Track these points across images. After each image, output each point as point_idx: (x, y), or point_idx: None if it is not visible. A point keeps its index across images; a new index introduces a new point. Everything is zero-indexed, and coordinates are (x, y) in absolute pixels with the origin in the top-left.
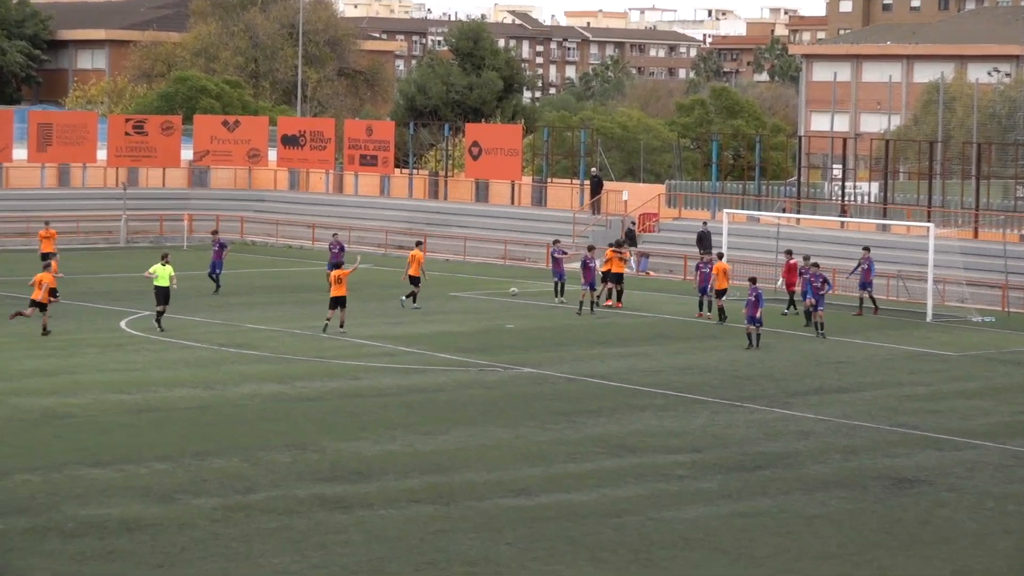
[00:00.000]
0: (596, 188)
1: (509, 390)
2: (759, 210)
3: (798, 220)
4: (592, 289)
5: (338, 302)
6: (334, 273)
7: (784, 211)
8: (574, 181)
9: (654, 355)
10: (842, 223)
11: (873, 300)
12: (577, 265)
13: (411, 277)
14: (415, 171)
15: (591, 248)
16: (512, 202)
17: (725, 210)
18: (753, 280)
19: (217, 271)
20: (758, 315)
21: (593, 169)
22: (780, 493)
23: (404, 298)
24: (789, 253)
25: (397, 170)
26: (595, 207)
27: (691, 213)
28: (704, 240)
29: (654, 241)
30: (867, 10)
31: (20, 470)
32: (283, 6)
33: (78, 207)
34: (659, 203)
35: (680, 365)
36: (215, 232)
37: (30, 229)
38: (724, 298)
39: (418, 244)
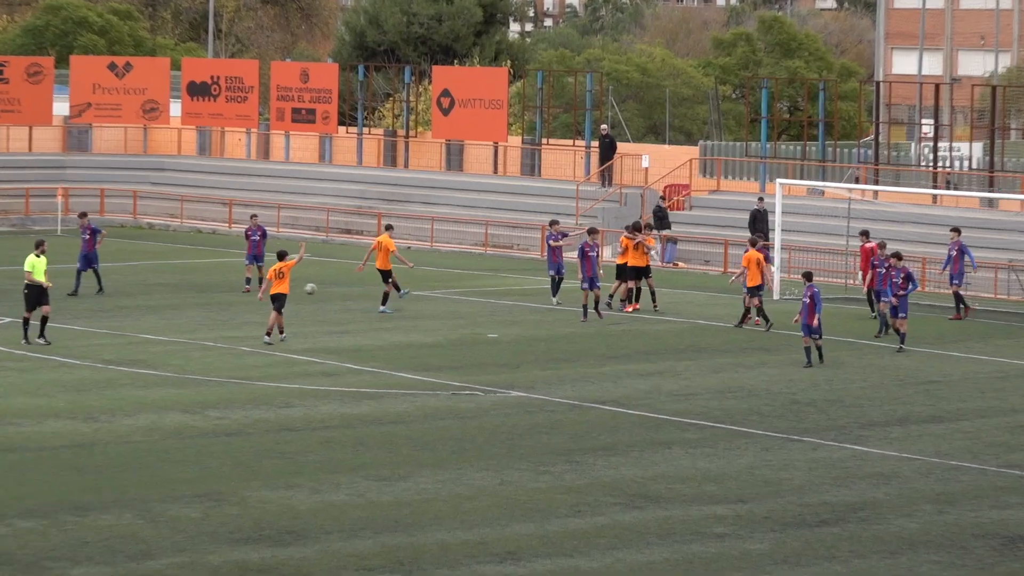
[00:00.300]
0: (607, 152)
1: (492, 421)
2: (823, 180)
3: (875, 194)
4: (592, 288)
5: (278, 302)
6: (276, 266)
7: (857, 181)
8: (577, 143)
9: (684, 373)
10: (934, 197)
11: (961, 300)
12: (576, 254)
13: (381, 271)
14: (366, 130)
15: (592, 232)
16: (495, 171)
17: (778, 180)
18: (808, 276)
19: (94, 264)
20: (815, 323)
21: (603, 127)
22: (853, 556)
23: (401, 292)
24: (866, 234)
25: (342, 129)
26: (605, 177)
27: (733, 185)
28: (759, 221)
29: (684, 221)
30: None
31: None
32: None
33: None
34: (691, 171)
35: (719, 386)
36: (84, 215)
37: None
38: (759, 296)
39: (388, 228)
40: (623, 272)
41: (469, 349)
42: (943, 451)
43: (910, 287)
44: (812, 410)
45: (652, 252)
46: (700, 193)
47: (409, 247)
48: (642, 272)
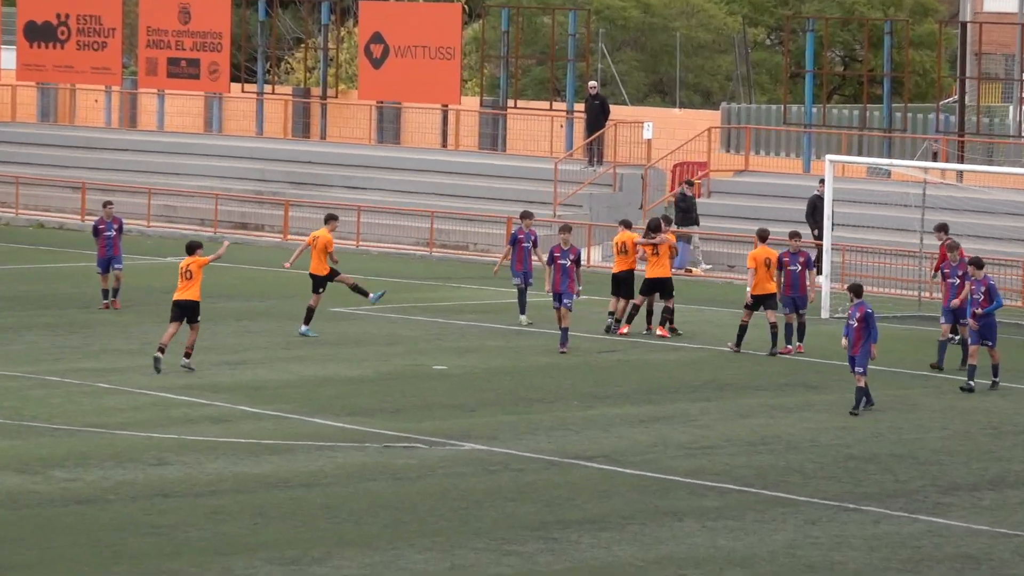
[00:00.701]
0: (596, 118)
1: (439, 483)
2: (888, 156)
3: (960, 175)
4: (561, 306)
5: (186, 312)
6: (185, 262)
7: (936, 158)
8: (556, 106)
9: (701, 419)
10: None
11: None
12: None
13: (314, 276)
14: (268, 89)
15: (565, 230)
16: (443, 144)
17: (828, 157)
18: (857, 291)
19: None
20: (866, 354)
21: (591, 85)
22: None
23: (375, 295)
24: (944, 229)
25: (235, 87)
26: (594, 152)
27: (766, 163)
28: (820, 212)
29: (701, 212)
30: None
31: None
32: None
33: None
34: (709, 145)
35: (747, 436)
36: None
37: None
38: (774, 312)
39: (329, 220)
40: (618, 285)
41: (408, 386)
42: None
43: (994, 303)
44: (874, 469)
45: (677, 254)
46: (722, 174)
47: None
48: (662, 288)
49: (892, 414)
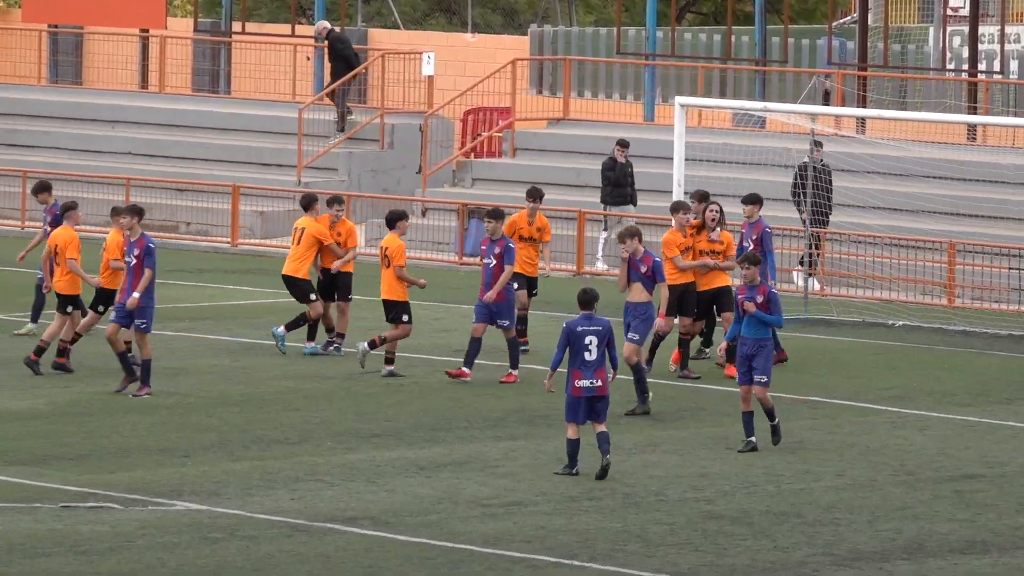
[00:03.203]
0: (335, 68)
1: (138, 559)
2: (763, 99)
3: (861, 123)
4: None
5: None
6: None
7: (828, 99)
8: (300, 31)
9: (505, 465)
10: (971, 129)
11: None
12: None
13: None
14: None
15: (494, 216)
16: (143, 84)
17: (677, 100)
18: (752, 260)
19: None
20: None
21: (321, 25)
22: None
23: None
24: (704, 198)
25: None
26: (340, 101)
27: (594, 108)
28: (815, 182)
29: (498, 178)
30: None
31: None
32: None
33: None
34: (514, 83)
35: (568, 489)
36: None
37: None
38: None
39: (329, 206)
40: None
41: (96, 422)
42: None
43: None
44: (743, 532)
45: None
46: (532, 124)
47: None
48: (719, 299)
49: (769, 455)
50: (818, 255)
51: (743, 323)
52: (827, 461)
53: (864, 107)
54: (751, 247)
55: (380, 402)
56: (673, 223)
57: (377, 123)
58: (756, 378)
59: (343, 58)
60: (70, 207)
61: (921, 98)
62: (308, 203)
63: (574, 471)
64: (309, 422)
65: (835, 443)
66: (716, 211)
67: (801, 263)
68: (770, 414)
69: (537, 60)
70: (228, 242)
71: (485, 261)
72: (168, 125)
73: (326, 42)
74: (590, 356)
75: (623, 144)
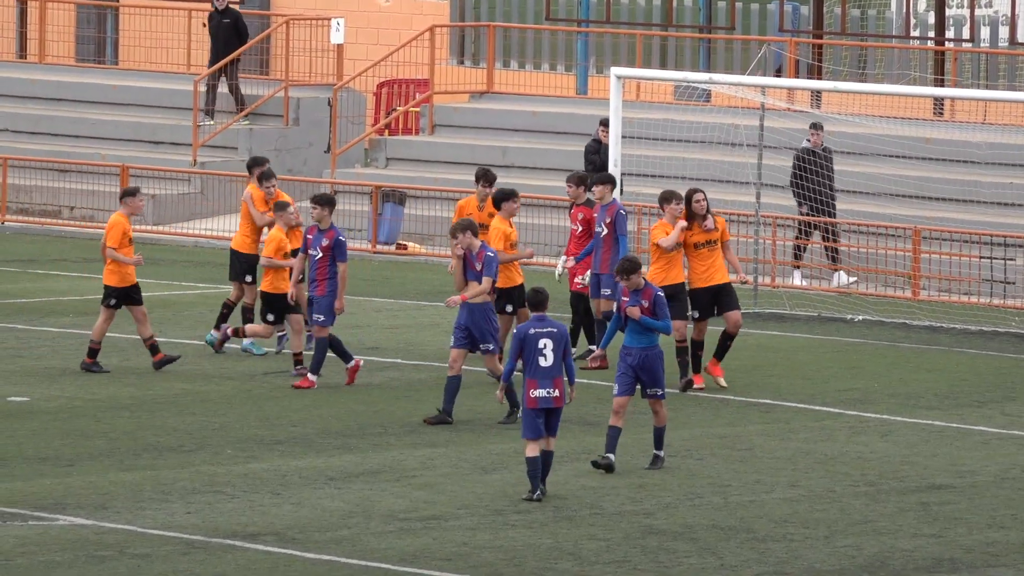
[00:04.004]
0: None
1: None
2: (708, 70)
3: (816, 95)
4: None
5: None
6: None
7: (780, 71)
8: None
9: (423, 475)
10: (937, 103)
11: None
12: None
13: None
14: None
15: (320, 202)
16: (21, 54)
17: (613, 71)
18: (627, 272)
19: None
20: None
21: None
22: None
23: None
24: (582, 182)
25: None
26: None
27: (521, 80)
28: (817, 170)
29: (414, 158)
30: None
31: None
32: None
33: None
34: (432, 52)
35: (494, 501)
36: None
37: None
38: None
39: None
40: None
41: None
42: None
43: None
44: (687, 548)
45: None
46: (452, 98)
47: None
48: (720, 296)
49: (715, 464)
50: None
51: (627, 331)
52: (780, 471)
53: (819, 78)
54: (604, 231)
55: (285, 406)
56: (665, 215)
57: (281, 97)
58: (649, 391)
59: (236, 36)
60: (127, 192)
61: (883, 69)
62: (249, 166)
63: (537, 495)
64: (207, 428)
65: (789, 451)
66: (703, 198)
67: (796, 255)
68: (659, 438)
69: (458, 27)
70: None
71: (311, 253)
72: (49, 99)
73: (221, 14)
74: (545, 362)
75: (607, 124)
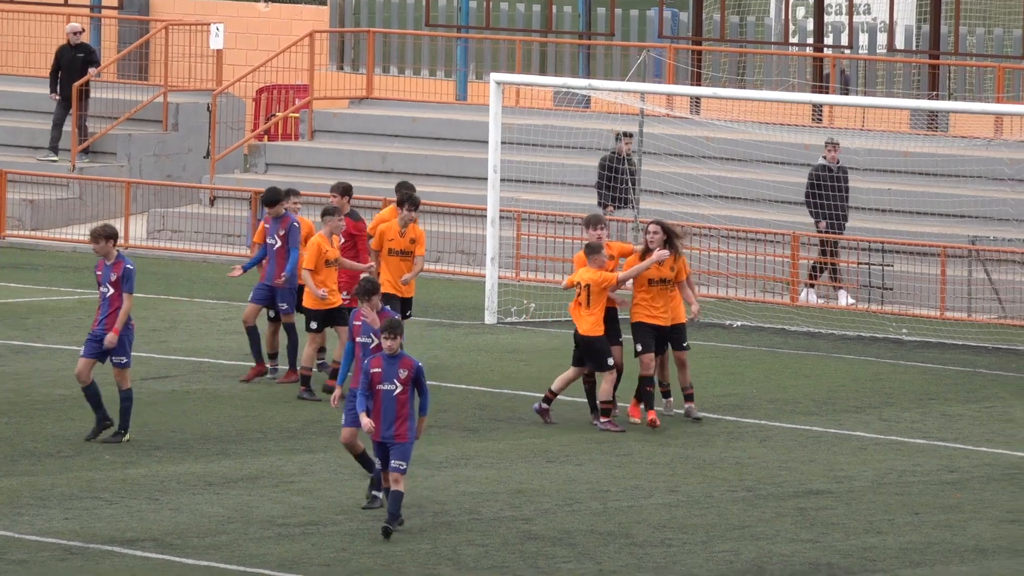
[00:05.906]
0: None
1: None
2: (588, 75)
3: (696, 102)
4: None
5: None
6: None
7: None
8: (71, 2)
9: (301, 480)
10: (816, 109)
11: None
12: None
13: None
14: None
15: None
16: None
17: (493, 77)
18: (392, 331)
19: None
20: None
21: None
22: None
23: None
24: (346, 192)
25: None
26: (82, 127)
27: (401, 86)
28: (833, 188)
29: (292, 163)
30: None
31: None
32: None
33: None
34: (311, 57)
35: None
36: None
37: None
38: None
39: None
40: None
41: None
42: None
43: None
44: (566, 554)
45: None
46: (331, 104)
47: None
48: (673, 335)
49: (593, 469)
50: (832, 265)
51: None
52: (658, 476)
53: (699, 85)
54: (277, 244)
55: (163, 411)
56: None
57: (160, 102)
58: (393, 463)
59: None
60: (327, 212)
61: (762, 75)
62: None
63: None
64: (85, 433)
65: (667, 456)
66: (658, 230)
67: (812, 275)
68: (394, 511)
69: (337, 32)
70: None
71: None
72: None
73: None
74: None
75: (627, 136)
